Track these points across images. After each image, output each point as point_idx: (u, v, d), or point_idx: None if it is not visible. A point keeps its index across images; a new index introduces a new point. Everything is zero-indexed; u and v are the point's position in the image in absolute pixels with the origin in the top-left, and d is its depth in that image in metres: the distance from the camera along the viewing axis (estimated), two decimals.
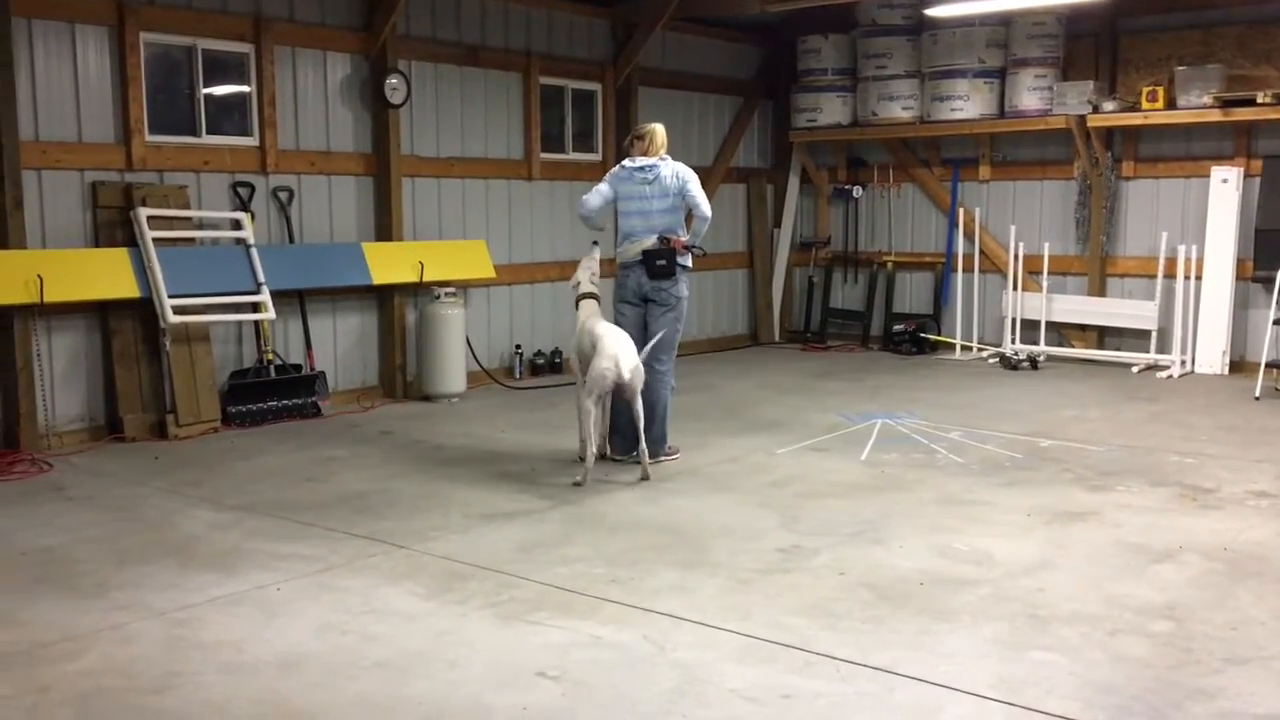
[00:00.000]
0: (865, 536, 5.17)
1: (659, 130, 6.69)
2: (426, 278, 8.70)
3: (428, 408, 8.55)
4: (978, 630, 4.04)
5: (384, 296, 8.79)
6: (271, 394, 7.94)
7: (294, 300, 8.25)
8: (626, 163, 6.67)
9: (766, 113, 12.34)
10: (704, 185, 11.51)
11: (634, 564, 4.78)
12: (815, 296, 12.34)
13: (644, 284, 6.58)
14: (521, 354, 9.84)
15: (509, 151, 9.72)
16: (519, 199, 9.83)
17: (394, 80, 8.59)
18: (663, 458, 6.67)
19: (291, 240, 8.24)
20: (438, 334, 8.65)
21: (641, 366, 6.22)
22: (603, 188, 6.69)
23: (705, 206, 6.56)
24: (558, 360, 10.09)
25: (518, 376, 9.76)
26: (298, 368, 8.20)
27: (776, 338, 12.38)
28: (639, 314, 6.68)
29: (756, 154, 12.36)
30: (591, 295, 6.73)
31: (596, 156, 10.52)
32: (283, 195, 8.20)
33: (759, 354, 11.61)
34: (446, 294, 8.73)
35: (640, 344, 6.47)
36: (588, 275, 6.79)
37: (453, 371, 8.72)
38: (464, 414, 8.29)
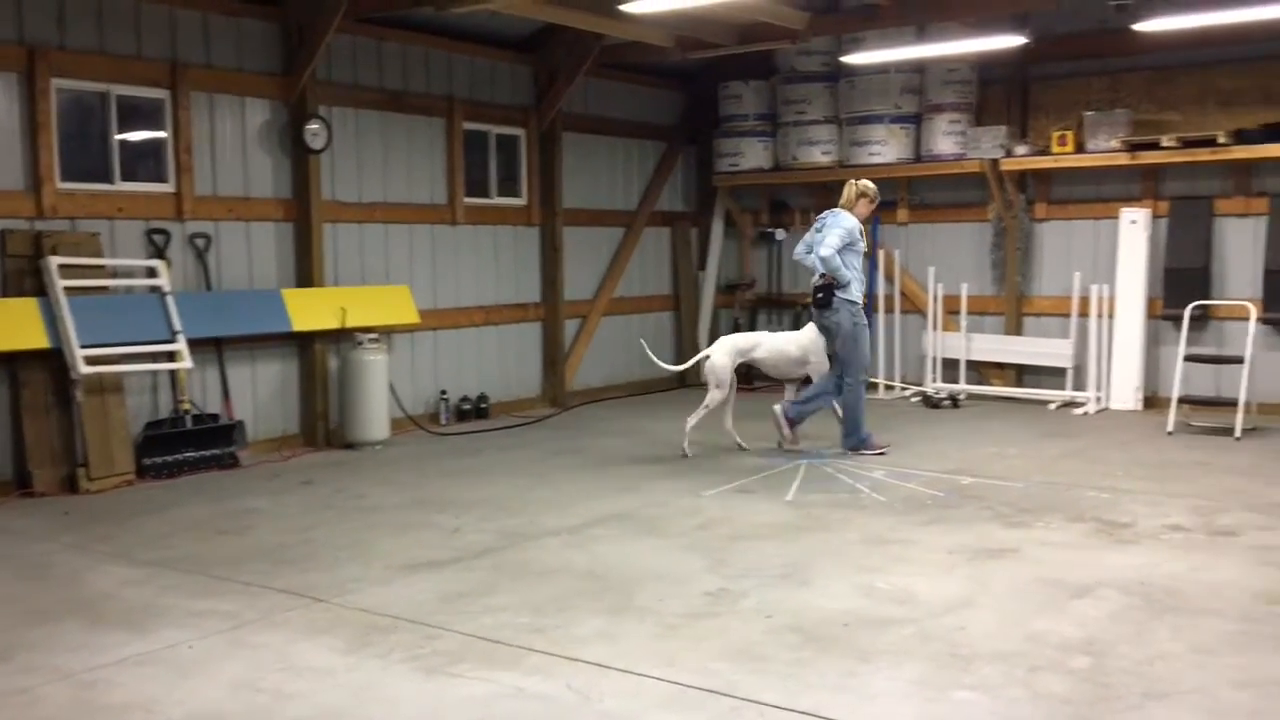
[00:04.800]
0: (792, 578, 5.18)
1: (848, 186, 8.04)
2: (349, 324, 8.60)
3: (350, 456, 8.42)
4: (901, 671, 4.05)
5: (305, 343, 8.66)
6: (188, 445, 7.76)
7: (211, 348, 8.09)
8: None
9: (690, 157, 12.47)
10: (628, 230, 11.63)
11: (560, 612, 4.73)
12: None
13: (815, 313, 8.02)
14: (447, 400, 9.75)
15: (432, 196, 9.69)
16: (443, 244, 9.79)
17: (314, 125, 8.52)
18: (865, 451, 7.99)
19: (209, 287, 8.10)
20: (360, 381, 8.54)
21: (709, 361, 8.10)
22: (807, 236, 8.13)
23: (822, 248, 7.76)
24: (484, 405, 10.02)
25: (443, 423, 9.66)
26: (215, 417, 8.03)
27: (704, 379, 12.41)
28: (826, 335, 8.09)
29: (680, 198, 12.47)
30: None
31: (521, 201, 10.53)
32: (199, 242, 8.07)
33: (687, 395, 11.56)
34: (369, 340, 8.63)
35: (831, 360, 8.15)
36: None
37: (376, 419, 8.62)
38: (388, 462, 8.18)
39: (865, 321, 8.01)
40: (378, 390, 8.63)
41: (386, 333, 9.04)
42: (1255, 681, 3.90)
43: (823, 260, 7.79)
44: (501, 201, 10.37)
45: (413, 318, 9.17)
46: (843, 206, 7.99)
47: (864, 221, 8.08)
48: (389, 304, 9.05)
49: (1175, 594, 4.86)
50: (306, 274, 8.62)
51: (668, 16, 8.57)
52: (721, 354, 8.07)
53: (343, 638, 4.45)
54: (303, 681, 4.03)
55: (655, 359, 8.85)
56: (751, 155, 11.76)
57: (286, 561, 5.55)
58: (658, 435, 9.12)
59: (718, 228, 12.53)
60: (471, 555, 5.63)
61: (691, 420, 7.99)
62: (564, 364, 10.82)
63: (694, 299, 12.49)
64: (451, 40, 9.67)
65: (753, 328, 12.36)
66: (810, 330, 8.20)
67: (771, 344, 8.28)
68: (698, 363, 8.04)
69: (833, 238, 7.79)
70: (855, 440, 8.07)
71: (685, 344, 12.39)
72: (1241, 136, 9.23)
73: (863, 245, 8.05)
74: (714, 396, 8.00)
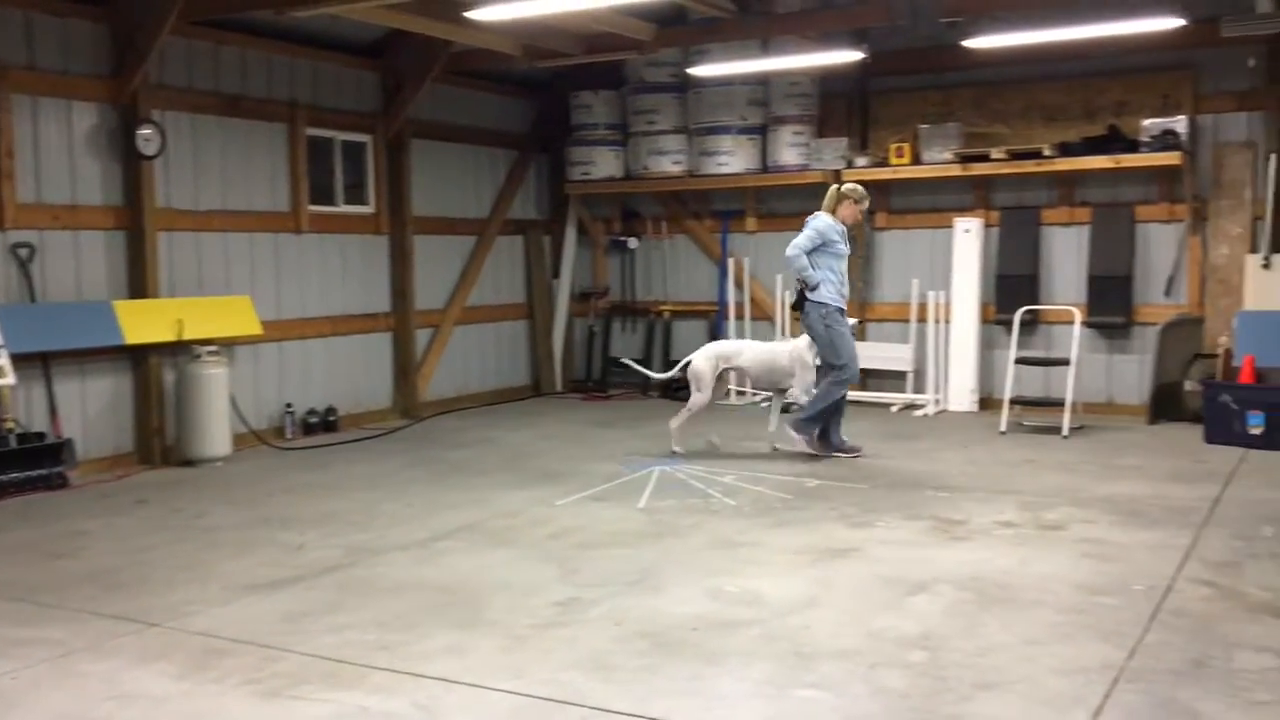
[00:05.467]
0: (642, 585, 5.21)
1: (830, 189, 8.14)
2: (186, 336, 8.28)
3: (189, 473, 8.11)
4: (747, 672, 4.12)
5: (139, 357, 8.31)
6: (12, 465, 7.33)
7: (37, 363, 7.68)
8: None
9: (542, 165, 12.44)
10: (480, 238, 11.58)
11: (407, 628, 4.65)
12: (596, 346, 12.48)
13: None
14: (293, 413, 9.48)
15: (275, 204, 9.42)
16: (287, 253, 9.53)
17: (147, 131, 8.20)
18: (797, 438, 8.04)
19: (33, 300, 7.69)
20: (199, 395, 8.24)
21: (692, 363, 8.36)
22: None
23: (789, 247, 7.97)
24: (333, 418, 9.79)
25: (289, 437, 9.39)
26: (41, 436, 7.62)
27: (559, 388, 12.41)
28: None
29: (533, 206, 12.43)
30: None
31: (369, 209, 10.33)
32: (22, 252, 7.65)
33: (541, 405, 11.61)
34: (208, 353, 8.33)
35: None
36: None
37: (216, 434, 8.33)
38: (229, 478, 7.91)
39: (841, 324, 7.96)
40: (218, 404, 8.34)
41: (227, 345, 8.74)
42: (1077, 669, 4.10)
43: (787, 258, 7.95)
44: (348, 209, 10.15)
45: (255, 329, 8.89)
46: (824, 209, 8.06)
47: (851, 224, 8.13)
48: (229, 315, 8.76)
49: (1005, 587, 5.08)
50: (140, 285, 8.27)
51: (514, 25, 8.55)
52: (702, 359, 8.34)
53: (177, 663, 4.28)
54: (134, 710, 3.86)
55: (639, 367, 9.42)
56: (603, 164, 11.82)
57: (119, 586, 5.31)
58: (511, 445, 9.08)
59: (571, 236, 12.54)
60: (315, 573, 5.49)
61: (675, 422, 8.32)
62: (416, 374, 10.66)
63: (548, 307, 12.46)
64: (293, 44, 9.43)
65: (607, 336, 12.44)
66: (803, 339, 8.21)
67: (755, 352, 8.42)
68: (684, 368, 8.45)
69: (800, 237, 7.95)
70: (801, 421, 8.04)
71: (540, 353, 12.36)
72: (1065, 149, 9.73)
73: (844, 248, 8.06)
74: (696, 400, 8.27)
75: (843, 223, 8.07)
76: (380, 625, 4.68)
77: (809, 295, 7.94)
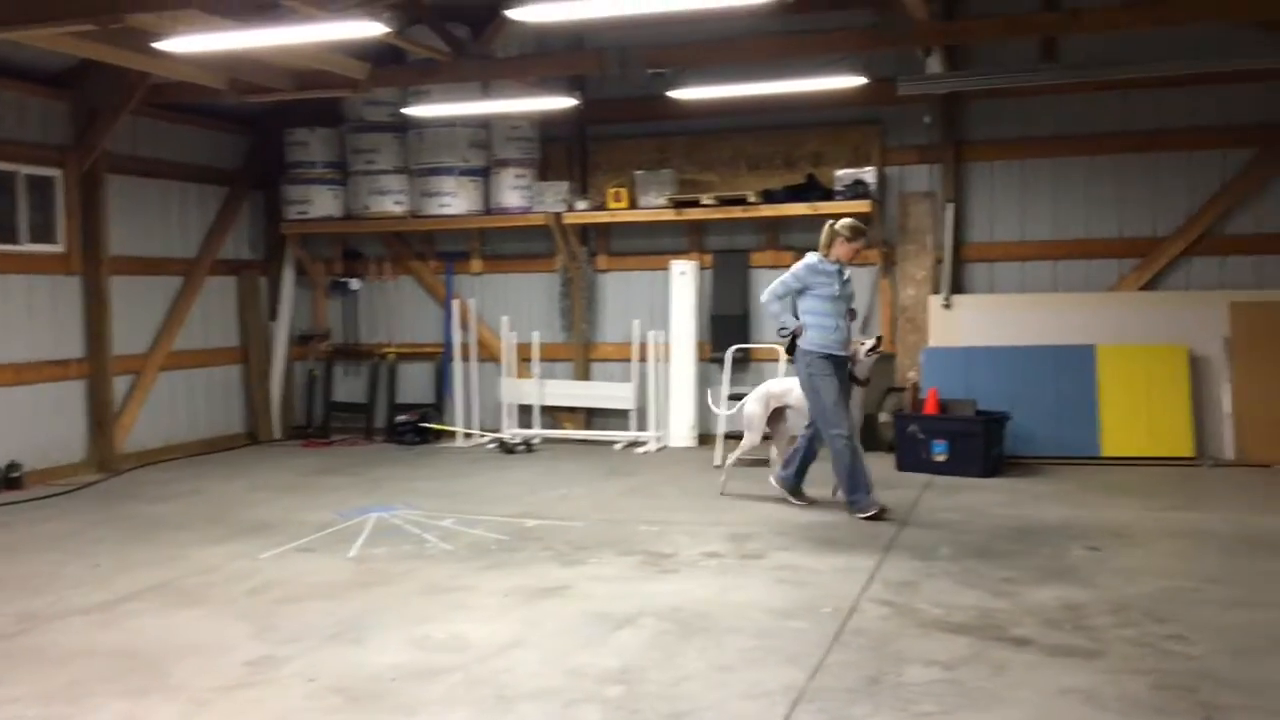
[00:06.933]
0: (343, 637, 5.04)
1: (824, 228, 7.58)
2: None
3: None
4: None
5: None
6: None
7: None
8: None
9: (257, 203, 11.97)
10: (188, 278, 11.02)
11: (76, 699, 4.30)
12: (317, 390, 12.07)
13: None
14: None
15: None
16: None
17: None
18: (856, 515, 7.43)
19: None
20: None
21: (745, 407, 8.38)
22: None
23: (764, 294, 7.76)
24: (16, 474, 8.97)
25: None
26: None
27: (277, 435, 11.90)
28: None
29: (248, 246, 11.92)
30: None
31: (59, 248, 9.59)
32: None
33: (257, 453, 11.10)
34: None
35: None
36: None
37: None
38: None
39: (827, 371, 7.41)
40: None
41: None
42: (763, 693, 4.27)
43: (762, 304, 7.94)
44: (34, 248, 9.39)
45: None
46: (819, 249, 7.52)
47: (846, 263, 7.53)
48: None
49: (705, 617, 5.24)
50: None
51: (215, 58, 8.20)
52: (754, 402, 8.32)
53: None
54: None
55: (715, 407, 9.21)
56: (321, 203, 11.49)
57: None
58: (220, 496, 8.62)
59: (289, 277, 12.10)
60: None
61: (729, 460, 8.47)
62: (114, 424, 9.95)
63: (264, 351, 11.95)
64: None
65: (329, 380, 12.05)
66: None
67: (801, 392, 8.05)
68: (739, 410, 8.53)
69: (774, 283, 7.57)
70: (849, 501, 7.50)
71: (256, 397, 11.82)
72: (768, 196, 10.27)
73: (834, 290, 7.44)
74: (748, 441, 8.28)
75: (838, 261, 7.50)
76: (46, 698, 4.31)
77: (799, 342, 7.51)
